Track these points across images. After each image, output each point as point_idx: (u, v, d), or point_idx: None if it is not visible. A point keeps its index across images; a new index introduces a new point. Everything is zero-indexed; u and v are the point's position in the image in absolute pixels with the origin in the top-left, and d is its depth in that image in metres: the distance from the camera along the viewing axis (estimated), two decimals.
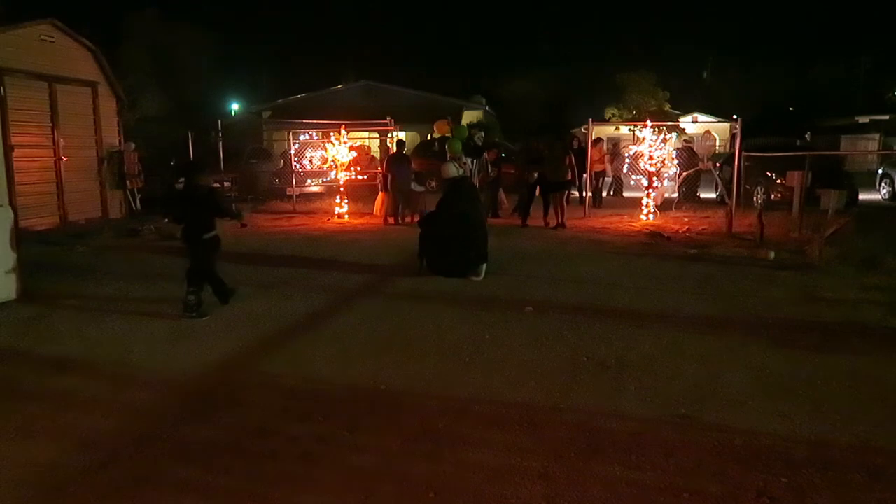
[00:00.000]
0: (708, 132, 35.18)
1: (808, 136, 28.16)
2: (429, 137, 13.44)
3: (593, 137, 14.04)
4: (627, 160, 13.55)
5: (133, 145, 13.97)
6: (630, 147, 13.84)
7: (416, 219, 10.41)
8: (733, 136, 13.15)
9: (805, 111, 34.81)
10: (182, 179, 7.19)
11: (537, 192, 11.89)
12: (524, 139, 16.42)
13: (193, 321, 5.67)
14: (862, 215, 10.63)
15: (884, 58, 41.62)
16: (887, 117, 31.63)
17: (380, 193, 13.06)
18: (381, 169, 13.30)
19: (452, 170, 8.05)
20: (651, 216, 12.55)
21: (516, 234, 10.97)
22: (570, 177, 11.91)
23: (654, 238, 10.34)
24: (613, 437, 3.44)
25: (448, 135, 12.51)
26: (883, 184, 16.99)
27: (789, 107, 36.82)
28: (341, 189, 13.18)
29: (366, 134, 19.29)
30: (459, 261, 7.39)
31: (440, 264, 7.52)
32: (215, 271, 6.05)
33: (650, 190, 12.85)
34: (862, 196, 14.41)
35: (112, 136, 13.43)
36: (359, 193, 14.63)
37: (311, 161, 15.16)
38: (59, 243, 9.99)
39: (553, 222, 11.66)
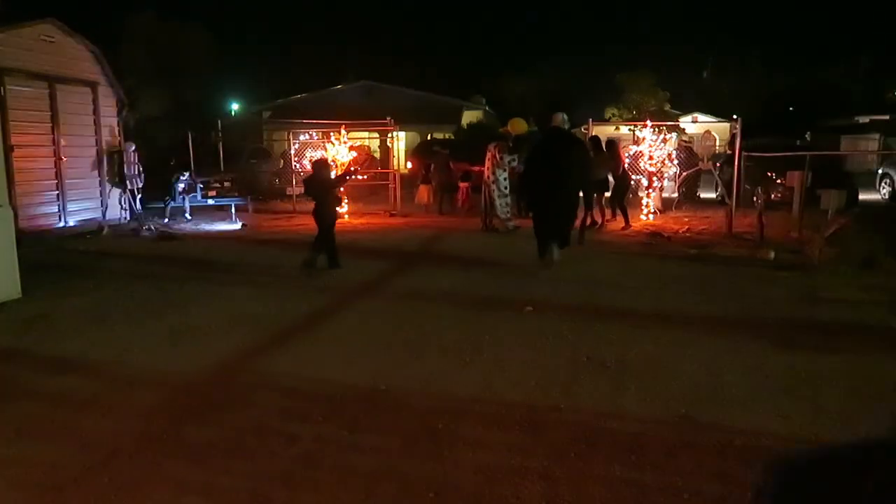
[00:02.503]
0: (708, 132, 35.18)
1: (808, 136, 28.13)
2: (506, 128, 12.83)
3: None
4: (628, 160, 13.53)
5: (133, 145, 13.96)
6: (630, 147, 13.82)
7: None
8: (733, 136, 13.14)
9: (805, 111, 34.75)
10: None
11: None
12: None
13: (192, 321, 5.69)
14: (862, 215, 10.62)
15: (884, 58, 41.61)
16: (887, 117, 31.56)
17: (420, 186, 14.97)
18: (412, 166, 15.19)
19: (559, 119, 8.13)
20: (651, 216, 12.55)
21: (516, 235, 10.96)
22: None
23: (654, 238, 10.34)
24: (613, 437, 3.44)
25: (524, 133, 12.24)
26: (883, 184, 16.98)
27: (789, 107, 36.78)
28: (341, 189, 13.17)
29: (366, 134, 19.29)
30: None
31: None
32: (334, 243, 7.89)
33: (650, 190, 12.85)
34: (862, 196, 14.40)
35: (112, 136, 13.42)
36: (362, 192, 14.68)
37: (311, 161, 15.11)
38: (59, 243, 9.99)
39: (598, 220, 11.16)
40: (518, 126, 12.22)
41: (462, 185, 14.37)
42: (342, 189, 13.10)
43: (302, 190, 15.60)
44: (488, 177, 11.11)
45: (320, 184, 7.90)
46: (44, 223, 11.30)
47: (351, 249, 9.61)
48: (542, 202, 7.91)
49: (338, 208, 8.03)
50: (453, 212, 14.15)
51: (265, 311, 6.06)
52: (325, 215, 7.80)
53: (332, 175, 8.64)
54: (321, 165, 8.23)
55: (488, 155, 11.13)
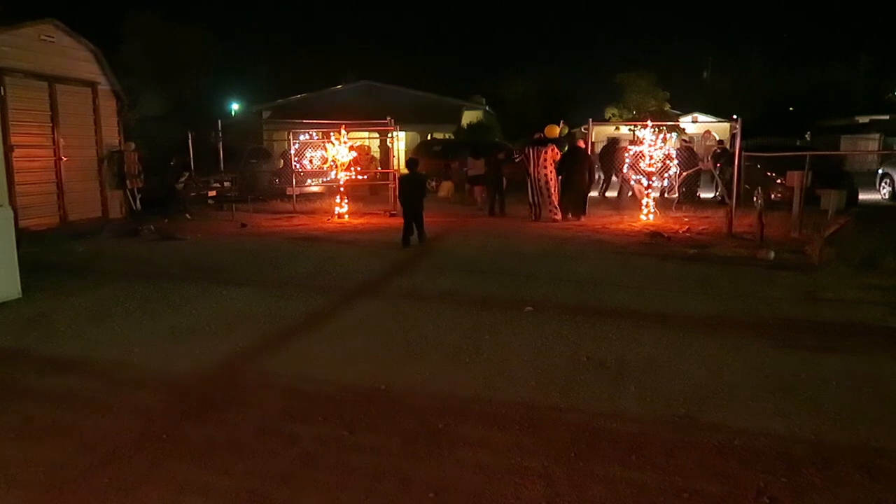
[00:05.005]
0: (708, 132, 35.13)
1: (808, 136, 28.12)
2: (541, 133, 13.97)
3: (593, 138, 14.09)
4: (627, 160, 13.55)
5: (133, 145, 13.96)
6: (630, 147, 13.83)
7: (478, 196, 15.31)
8: (733, 136, 13.12)
9: (805, 111, 34.71)
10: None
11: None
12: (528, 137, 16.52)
13: (192, 321, 5.70)
14: (862, 215, 10.63)
15: (884, 58, 41.60)
16: (887, 117, 31.54)
17: (443, 182, 17.66)
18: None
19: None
20: (651, 216, 12.56)
21: (516, 234, 10.98)
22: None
23: (654, 238, 10.34)
24: (613, 437, 3.44)
25: (556, 136, 13.68)
26: (883, 184, 16.96)
27: (789, 107, 36.73)
28: (341, 189, 13.19)
29: (366, 134, 19.28)
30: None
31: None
32: (422, 222, 9.80)
33: (649, 190, 12.86)
34: (862, 196, 14.40)
35: (112, 136, 13.42)
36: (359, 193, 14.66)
37: (311, 161, 15.13)
38: (59, 243, 9.99)
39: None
40: (552, 130, 13.60)
41: None
42: (342, 190, 13.24)
43: (295, 190, 15.97)
44: (545, 174, 12.64)
45: (416, 179, 10.11)
46: (44, 223, 11.30)
47: (351, 250, 9.62)
48: (573, 189, 12.78)
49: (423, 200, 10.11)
50: (473, 203, 15.59)
51: (265, 311, 6.07)
52: (418, 205, 9.76)
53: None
54: (417, 164, 10.43)
55: (547, 155, 12.60)
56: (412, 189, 9.94)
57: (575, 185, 12.79)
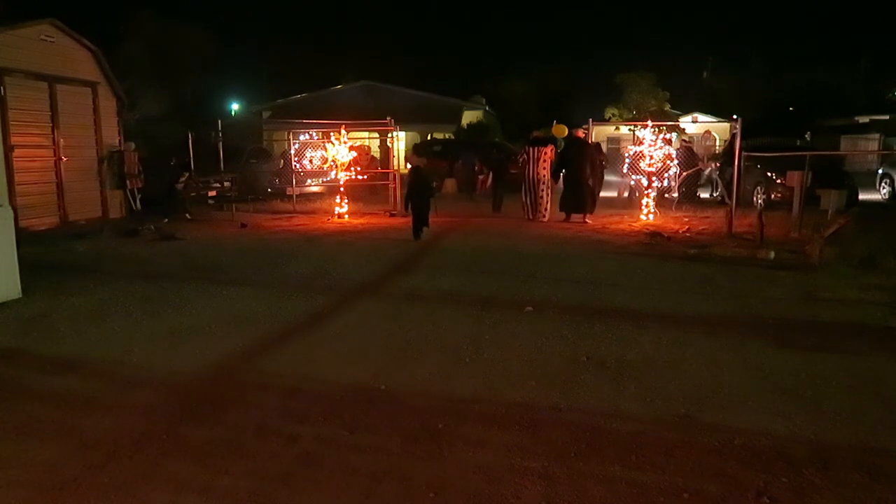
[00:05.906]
0: (708, 132, 35.17)
1: (808, 136, 28.13)
2: (539, 132, 14.59)
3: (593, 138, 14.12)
4: (627, 160, 13.56)
5: (133, 145, 13.97)
6: (630, 147, 13.85)
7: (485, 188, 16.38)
8: (733, 136, 13.12)
9: (805, 111, 34.70)
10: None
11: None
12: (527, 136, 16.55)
13: (192, 321, 5.70)
14: (862, 215, 10.62)
15: (884, 58, 41.58)
16: (887, 117, 31.52)
17: (446, 180, 18.31)
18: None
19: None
20: (651, 216, 12.55)
21: (516, 234, 10.98)
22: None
23: (654, 238, 10.34)
24: (613, 437, 3.44)
25: (562, 136, 13.97)
26: (883, 184, 16.97)
27: (789, 107, 36.71)
28: (341, 189, 13.19)
29: (366, 134, 19.30)
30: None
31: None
32: (427, 218, 10.30)
33: (650, 190, 12.86)
34: (862, 196, 14.40)
35: (112, 136, 13.42)
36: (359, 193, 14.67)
37: (311, 161, 15.13)
38: (59, 243, 9.99)
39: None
40: (560, 130, 13.77)
41: (480, 177, 17.60)
42: (342, 190, 13.24)
43: (295, 190, 16.05)
44: (543, 174, 12.64)
45: (424, 179, 10.75)
46: (44, 223, 11.30)
47: (351, 249, 9.62)
48: (572, 184, 12.53)
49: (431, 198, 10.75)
50: (475, 199, 16.93)
51: (265, 311, 6.07)
52: (425, 203, 10.28)
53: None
54: (423, 166, 11.92)
55: (547, 156, 12.63)
56: (419, 189, 10.34)
57: (577, 181, 12.47)
